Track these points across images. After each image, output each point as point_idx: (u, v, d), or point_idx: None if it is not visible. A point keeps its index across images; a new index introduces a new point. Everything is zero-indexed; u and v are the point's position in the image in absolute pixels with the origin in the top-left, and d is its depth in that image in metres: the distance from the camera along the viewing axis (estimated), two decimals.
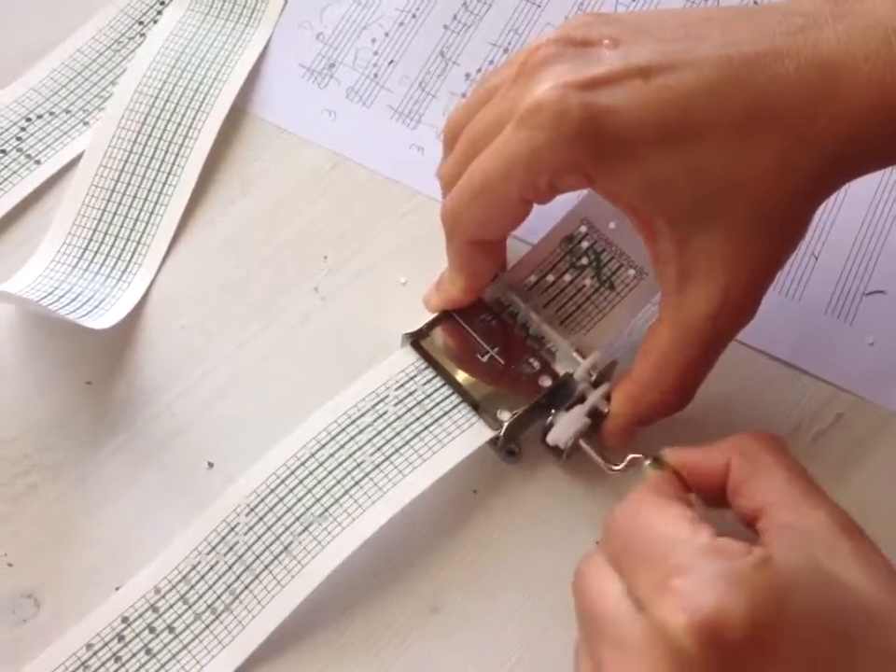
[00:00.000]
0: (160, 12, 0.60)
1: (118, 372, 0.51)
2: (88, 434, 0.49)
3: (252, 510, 0.46)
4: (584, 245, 0.50)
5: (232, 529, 0.46)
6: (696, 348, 0.44)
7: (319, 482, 0.46)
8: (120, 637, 0.45)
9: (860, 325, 0.52)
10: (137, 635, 0.45)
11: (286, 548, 0.45)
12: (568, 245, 0.50)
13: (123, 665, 0.44)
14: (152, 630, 0.45)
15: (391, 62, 0.59)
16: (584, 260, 0.50)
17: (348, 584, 0.46)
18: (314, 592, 0.45)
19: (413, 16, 0.60)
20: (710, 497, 0.41)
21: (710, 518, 0.38)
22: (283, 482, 0.46)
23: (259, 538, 0.46)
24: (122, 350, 0.51)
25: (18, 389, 0.50)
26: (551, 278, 0.50)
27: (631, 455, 0.44)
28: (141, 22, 0.60)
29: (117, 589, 0.46)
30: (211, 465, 0.49)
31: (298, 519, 0.46)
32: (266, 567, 0.45)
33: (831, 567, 0.35)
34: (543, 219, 0.49)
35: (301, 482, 0.46)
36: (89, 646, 0.44)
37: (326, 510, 0.46)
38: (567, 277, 0.50)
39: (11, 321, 0.52)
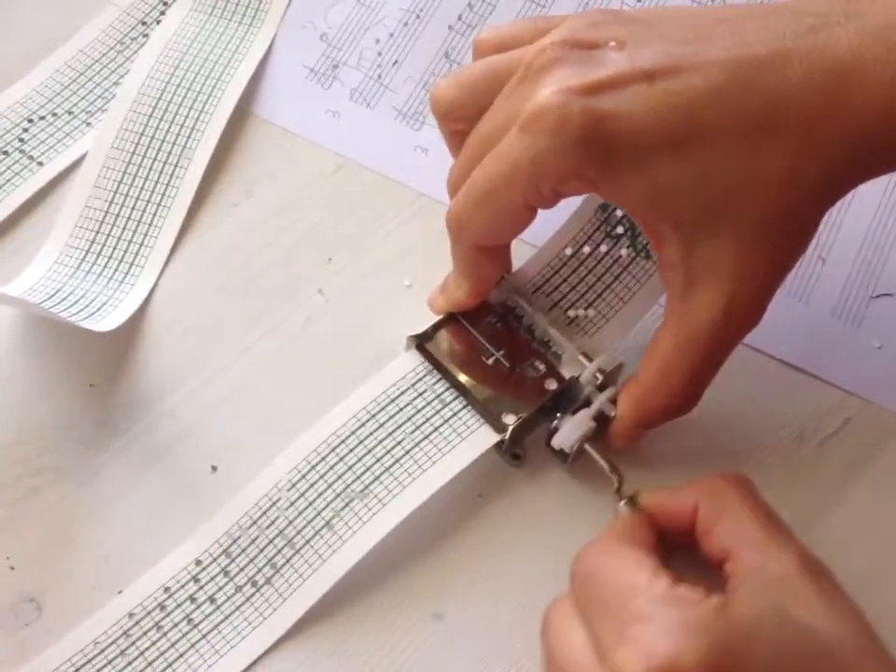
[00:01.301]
0: (163, 13, 0.60)
1: (120, 375, 0.51)
2: (90, 437, 0.49)
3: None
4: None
5: (274, 504, 0.47)
6: (701, 353, 0.44)
7: (359, 459, 0.47)
8: (162, 607, 0.45)
9: (867, 328, 0.52)
10: (179, 605, 0.45)
11: (327, 523, 0.46)
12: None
13: (165, 635, 0.45)
14: (193, 600, 0.45)
15: (395, 62, 0.59)
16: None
17: (351, 590, 0.46)
18: (353, 568, 0.45)
19: (418, 16, 0.60)
20: (681, 539, 0.42)
21: (681, 558, 0.40)
22: (323, 458, 0.47)
23: (301, 513, 0.46)
24: (125, 353, 0.51)
25: (20, 392, 0.50)
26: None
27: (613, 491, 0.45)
28: (144, 23, 0.60)
29: (119, 593, 0.46)
30: (215, 468, 0.49)
31: (339, 495, 0.46)
32: (307, 541, 0.46)
33: (794, 612, 0.36)
34: (548, 222, 0.49)
35: (341, 458, 0.47)
36: (131, 615, 0.45)
37: (366, 487, 0.46)
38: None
39: (14, 324, 0.52)
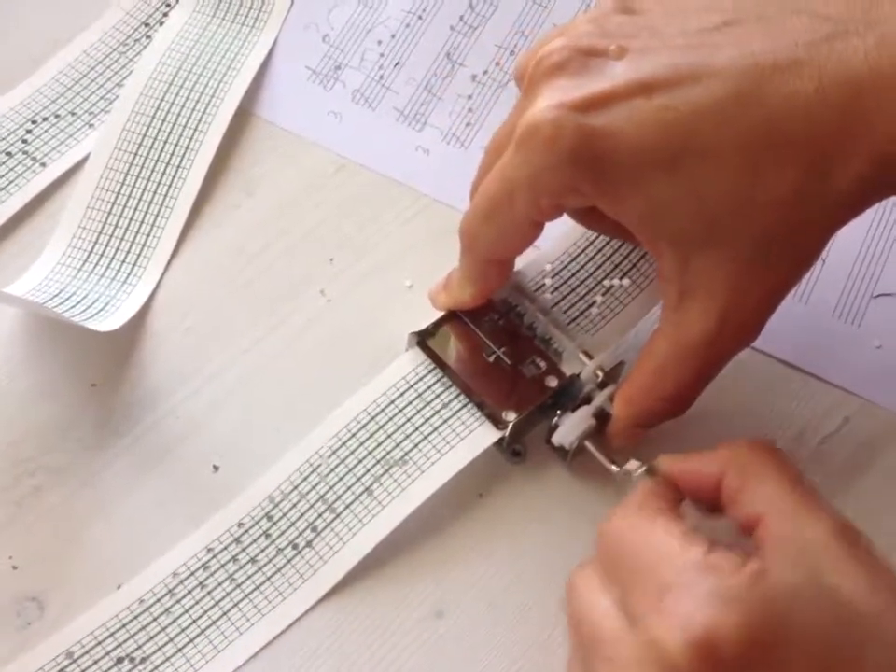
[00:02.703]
0: (165, 14, 0.60)
1: (122, 375, 0.51)
2: (93, 436, 0.49)
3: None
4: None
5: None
6: (693, 365, 0.43)
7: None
8: (206, 567, 0.46)
9: (867, 328, 0.52)
10: (222, 565, 0.46)
11: (367, 489, 0.47)
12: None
13: (209, 593, 0.46)
14: (236, 561, 0.46)
15: (397, 64, 0.59)
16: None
17: (352, 588, 0.46)
18: (385, 538, 0.46)
19: (420, 17, 0.60)
20: (706, 506, 0.40)
21: (708, 524, 0.38)
22: (363, 426, 0.48)
23: (341, 479, 0.47)
24: (127, 352, 0.51)
25: (23, 391, 0.50)
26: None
27: (630, 462, 0.43)
28: (147, 24, 0.60)
29: (118, 587, 0.46)
30: (216, 468, 0.49)
31: (379, 462, 0.47)
32: (347, 506, 0.47)
33: (830, 579, 0.35)
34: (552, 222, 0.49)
35: (381, 426, 0.48)
36: (175, 574, 0.46)
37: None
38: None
39: (16, 324, 0.52)
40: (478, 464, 0.47)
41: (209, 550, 0.46)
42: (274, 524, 0.47)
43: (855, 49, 0.38)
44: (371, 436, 0.48)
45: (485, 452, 0.47)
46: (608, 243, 0.50)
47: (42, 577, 0.46)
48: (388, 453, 0.47)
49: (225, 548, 0.47)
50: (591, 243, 0.50)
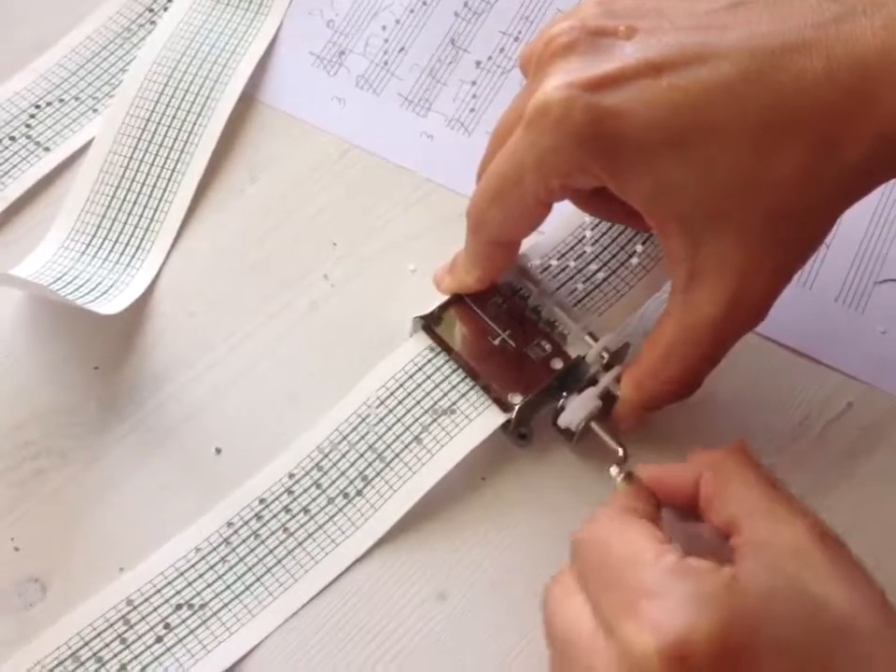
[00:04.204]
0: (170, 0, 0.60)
1: (125, 358, 0.51)
2: (95, 420, 0.49)
3: (382, 402, 0.48)
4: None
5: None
6: (701, 347, 0.44)
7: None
8: (259, 517, 0.47)
9: (871, 313, 0.52)
10: (274, 515, 0.47)
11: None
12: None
13: (263, 542, 0.46)
14: (288, 511, 0.47)
15: (401, 49, 0.59)
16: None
17: (357, 570, 0.46)
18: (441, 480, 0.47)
19: (424, 3, 0.60)
20: (684, 513, 0.41)
21: (686, 531, 0.39)
22: (411, 376, 0.49)
23: (390, 428, 0.48)
24: (130, 336, 0.51)
25: (26, 374, 0.50)
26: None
27: (611, 468, 0.43)
28: (151, 10, 0.60)
29: (121, 570, 0.46)
30: (219, 451, 0.49)
31: (426, 411, 0.48)
32: (397, 455, 0.47)
33: (805, 583, 0.35)
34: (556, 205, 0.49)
35: (428, 376, 0.49)
36: (230, 524, 0.47)
37: (454, 403, 0.48)
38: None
39: (20, 306, 0.52)
40: (482, 447, 0.47)
41: (261, 500, 0.47)
42: (325, 473, 0.47)
43: (863, 30, 0.38)
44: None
45: (491, 436, 0.47)
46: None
47: (44, 559, 0.46)
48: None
49: (276, 498, 0.47)
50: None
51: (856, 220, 0.53)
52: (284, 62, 0.59)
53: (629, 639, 0.34)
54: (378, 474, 0.47)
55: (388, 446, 0.48)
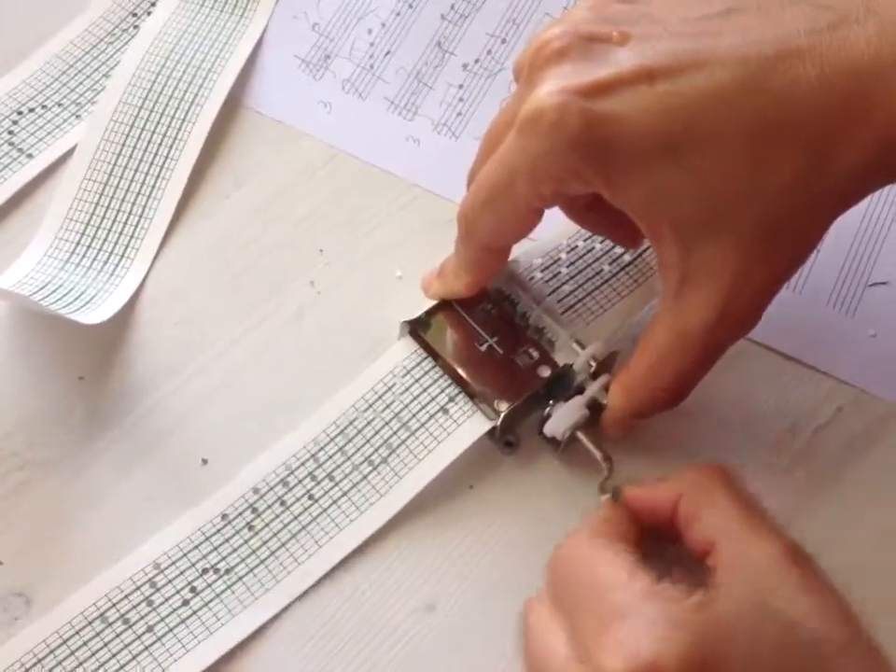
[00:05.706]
0: (153, 3, 0.60)
1: (110, 368, 0.50)
2: (80, 430, 0.49)
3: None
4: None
5: (389, 389, 0.49)
6: (691, 354, 0.43)
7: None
8: (285, 483, 0.47)
9: (861, 317, 0.52)
10: (300, 481, 0.47)
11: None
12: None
13: (288, 508, 0.47)
14: (314, 478, 0.47)
15: (388, 53, 0.58)
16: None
17: (344, 580, 0.46)
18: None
19: (410, 6, 0.59)
20: (666, 534, 0.41)
21: (668, 554, 0.39)
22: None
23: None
24: (115, 345, 0.51)
25: (9, 385, 0.50)
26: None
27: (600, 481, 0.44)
28: (134, 14, 0.59)
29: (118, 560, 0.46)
30: (205, 461, 0.48)
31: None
32: (422, 424, 0.48)
33: (776, 604, 0.35)
34: (548, 213, 0.49)
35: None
36: (255, 490, 0.47)
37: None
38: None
39: (2, 316, 0.51)
40: (469, 455, 0.47)
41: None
42: (350, 440, 0.48)
43: (856, 37, 0.38)
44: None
45: (477, 444, 0.47)
46: None
47: (28, 572, 0.46)
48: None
49: (302, 464, 0.47)
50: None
51: (846, 224, 0.53)
52: (269, 66, 0.58)
53: (600, 662, 0.34)
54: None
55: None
